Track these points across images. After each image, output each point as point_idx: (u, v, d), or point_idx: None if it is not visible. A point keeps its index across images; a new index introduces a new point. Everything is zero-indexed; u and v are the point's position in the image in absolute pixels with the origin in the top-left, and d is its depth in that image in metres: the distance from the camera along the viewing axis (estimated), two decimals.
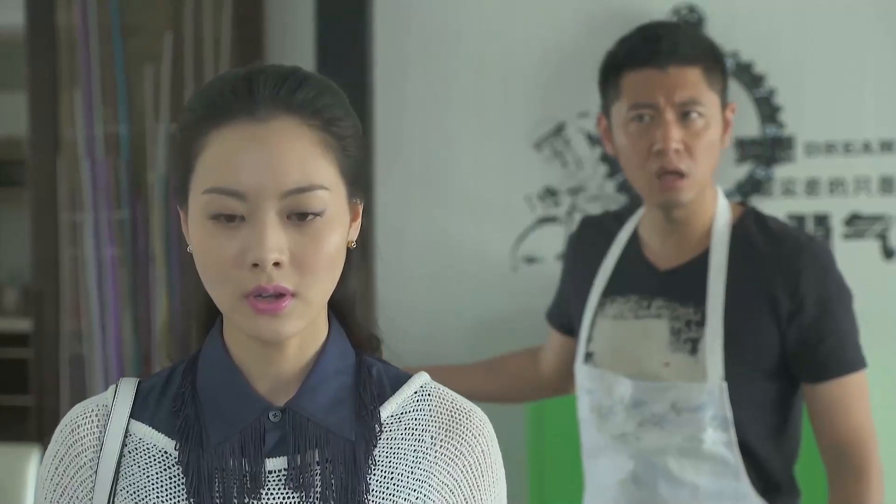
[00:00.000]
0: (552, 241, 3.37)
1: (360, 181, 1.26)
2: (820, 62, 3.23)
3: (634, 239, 2.18)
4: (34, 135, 3.62)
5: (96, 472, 1.25)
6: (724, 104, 2.07)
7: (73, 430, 1.28)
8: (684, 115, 2.00)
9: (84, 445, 1.27)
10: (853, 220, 3.26)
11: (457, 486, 1.28)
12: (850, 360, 2.02)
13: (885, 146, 3.23)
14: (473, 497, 1.29)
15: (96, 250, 3.58)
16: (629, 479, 2.09)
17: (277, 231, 1.16)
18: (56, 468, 1.27)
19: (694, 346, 2.03)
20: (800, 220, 3.24)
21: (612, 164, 3.36)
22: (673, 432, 2.03)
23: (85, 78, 3.56)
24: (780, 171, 3.29)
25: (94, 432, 1.27)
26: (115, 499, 1.24)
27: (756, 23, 3.23)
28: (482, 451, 1.30)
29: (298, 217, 1.17)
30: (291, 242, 1.17)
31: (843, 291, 2.04)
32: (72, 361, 3.61)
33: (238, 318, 1.20)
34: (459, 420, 1.30)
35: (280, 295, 1.17)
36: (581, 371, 2.18)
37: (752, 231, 2.07)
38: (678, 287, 2.07)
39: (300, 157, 1.17)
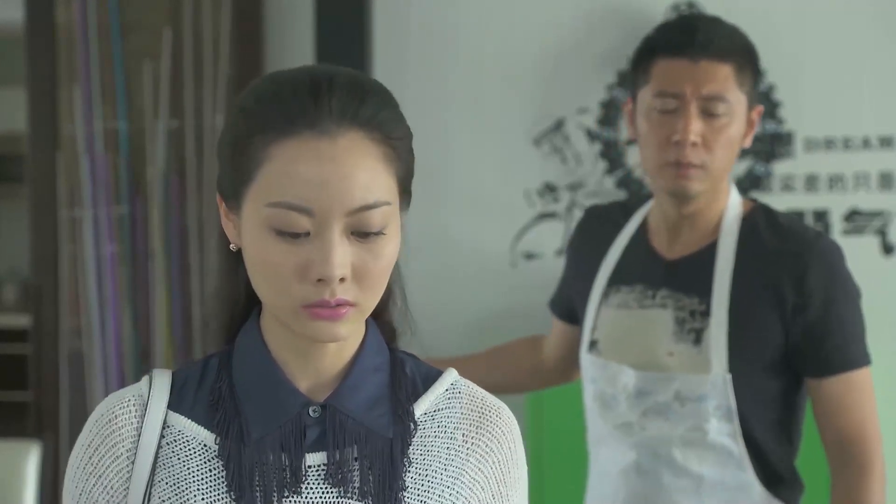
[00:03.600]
0: (551, 238, 3.37)
1: (408, 189, 1.27)
2: (819, 58, 3.23)
3: (642, 229, 2.18)
4: (33, 131, 3.63)
5: (133, 462, 1.26)
6: (752, 105, 2.06)
7: (110, 420, 1.27)
8: (708, 110, 2.00)
9: (122, 435, 1.27)
10: (852, 215, 3.26)
11: (486, 483, 1.30)
12: (855, 357, 2.02)
13: (885, 142, 3.23)
14: (500, 493, 1.31)
15: (95, 247, 3.58)
16: (632, 469, 2.09)
17: (343, 248, 1.17)
18: (90, 457, 1.27)
19: (698, 337, 2.03)
20: (799, 216, 3.25)
21: (612, 160, 3.36)
22: (677, 422, 2.03)
23: (84, 74, 3.56)
24: (780, 167, 3.30)
25: (132, 422, 1.27)
26: (153, 489, 1.25)
27: (755, 19, 3.22)
28: (510, 447, 1.33)
29: (361, 235, 1.19)
30: (354, 257, 1.18)
31: (850, 288, 2.04)
32: (71, 358, 3.61)
33: (294, 324, 1.21)
34: (490, 417, 1.33)
35: (341, 304, 1.19)
36: (585, 360, 2.18)
37: (760, 225, 2.07)
38: (684, 277, 2.07)
39: (366, 174, 1.18)
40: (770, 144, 3.26)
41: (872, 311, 2.15)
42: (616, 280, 2.16)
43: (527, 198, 3.39)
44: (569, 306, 2.33)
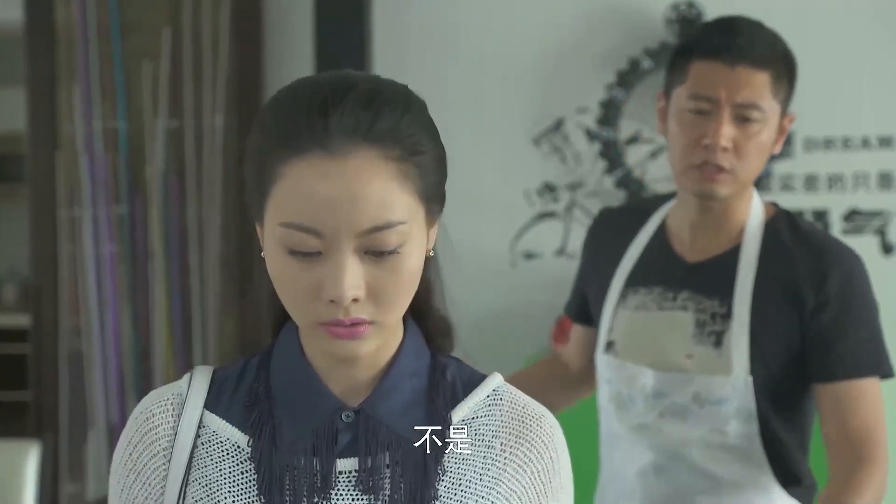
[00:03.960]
0: (551, 237, 3.37)
1: (438, 196, 1.23)
2: (818, 58, 3.23)
3: (661, 231, 2.18)
4: (33, 131, 3.63)
5: (170, 460, 1.26)
6: (784, 113, 2.05)
7: (147, 419, 1.28)
8: (742, 116, 1.99)
9: (158, 434, 1.27)
10: (852, 215, 3.26)
11: (525, 493, 1.26)
12: (864, 364, 2.01)
13: (884, 142, 3.23)
14: (540, 503, 1.27)
15: (95, 246, 3.58)
16: (650, 470, 2.09)
17: (355, 268, 1.14)
18: (130, 454, 1.28)
19: (718, 339, 2.03)
20: (798, 215, 3.25)
21: (611, 160, 3.36)
22: (696, 424, 2.03)
23: (84, 74, 3.56)
24: (779, 167, 3.29)
25: (168, 421, 1.27)
26: (187, 489, 1.25)
27: (754, 18, 3.23)
28: (550, 457, 1.28)
29: (376, 254, 1.15)
30: (369, 276, 1.15)
31: (868, 298, 2.04)
32: (70, 357, 3.61)
33: (316, 339, 1.21)
34: (529, 426, 1.28)
35: (356, 323, 1.17)
36: (601, 360, 2.18)
37: (782, 231, 2.07)
38: (705, 280, 2.07)
39: (378, 195, 1.13)
40: None
41: None
42: (634, 282, 2.16)
43: (526, 197, 3.39)
44: (585, 310, 2.32)
